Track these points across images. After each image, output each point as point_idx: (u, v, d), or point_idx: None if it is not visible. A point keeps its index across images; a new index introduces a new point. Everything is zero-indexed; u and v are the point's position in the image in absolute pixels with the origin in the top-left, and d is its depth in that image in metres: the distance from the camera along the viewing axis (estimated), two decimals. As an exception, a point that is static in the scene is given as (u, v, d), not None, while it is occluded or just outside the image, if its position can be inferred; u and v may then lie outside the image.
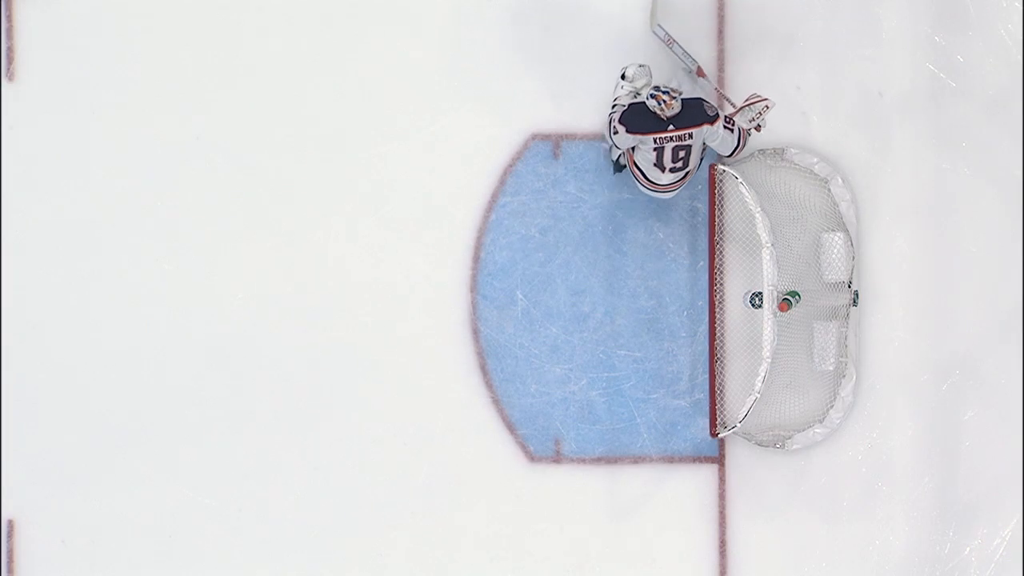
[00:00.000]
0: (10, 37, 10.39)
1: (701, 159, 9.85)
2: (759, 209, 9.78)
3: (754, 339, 9.94)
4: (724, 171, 9.97)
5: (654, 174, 9.80)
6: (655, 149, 9.69)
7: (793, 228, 10.06)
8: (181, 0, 10.36)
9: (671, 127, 9.64)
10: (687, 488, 10.33)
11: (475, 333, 10.37)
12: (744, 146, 9.82)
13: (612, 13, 10.26)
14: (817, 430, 10.21)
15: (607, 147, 10.21)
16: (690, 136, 9.65)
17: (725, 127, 9.69)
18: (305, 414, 10.39)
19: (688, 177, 9.85)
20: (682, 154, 9.71)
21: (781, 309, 9.73)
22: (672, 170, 9.76)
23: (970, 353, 10.20)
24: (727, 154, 9.84)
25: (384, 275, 10.36)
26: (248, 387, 10.39)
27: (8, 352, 10.39)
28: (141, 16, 10.36)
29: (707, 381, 10.20)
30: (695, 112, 9.65)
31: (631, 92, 10.00)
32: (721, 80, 10.23)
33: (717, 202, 10.10)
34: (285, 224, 10.36)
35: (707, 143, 9.76)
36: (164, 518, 10.42)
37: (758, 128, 9.82)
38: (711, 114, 9.64)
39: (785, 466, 10.28)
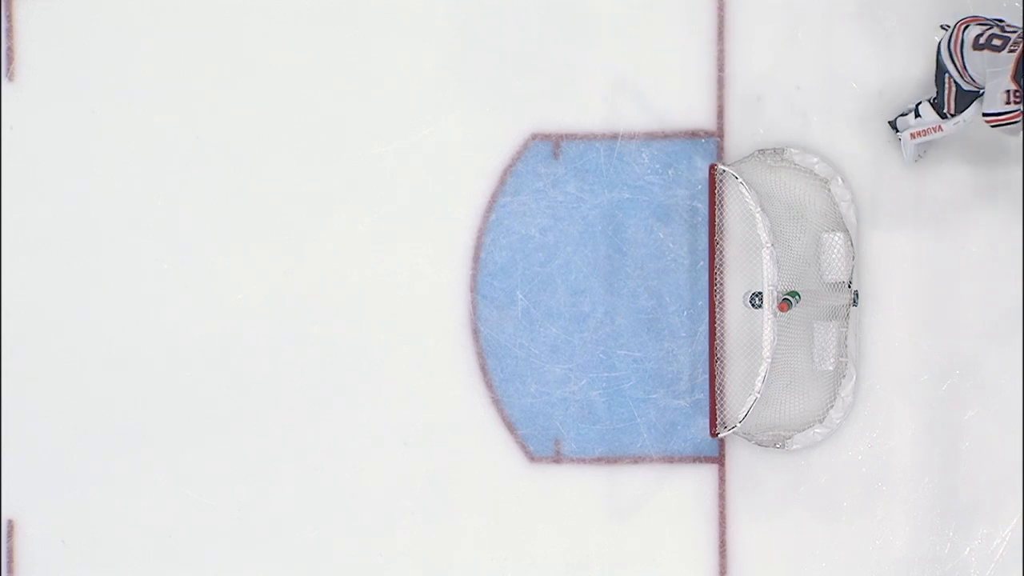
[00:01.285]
0: (10, 37, 10.39)
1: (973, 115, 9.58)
2: (759, 209, 9.78)
3: (754, 339, 9.94)
4: (724, 171, 9.97)
5: None
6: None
7: (793, 228, 10.06)
8: (181, 0, 10.36)
9: None
10: (687, 488, 10.33)
11: (475, 333, 10.37)
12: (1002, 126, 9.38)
13: (612, 13, 10.26)
14: (817, 430, 10.20)
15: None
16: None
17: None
18: (305, 414, 10.39)
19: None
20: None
21: (781, 309, 9.72)
22: None
23: (970, 353, 10.19)
24: (984, 110, 9.39)
25: (384, 275, 10.36)
26: (248, 387, 10.39)
27: (8, 352, 10.39)
28: (141, 16, 10.36)
29: (707, 381, 10.20)
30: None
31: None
32: (721, 80, 10.23)
33: (717, 202, 10.09)
34: (285, 224, 10.36)
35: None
36: (164, 518, 10.42)
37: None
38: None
39: (785, 466, 10.28)
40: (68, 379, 10.40)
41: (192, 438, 10.40)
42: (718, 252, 10.16)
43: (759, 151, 10.17)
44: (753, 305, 10.06)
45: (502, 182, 10.35)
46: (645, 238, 10.33)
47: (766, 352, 9.73)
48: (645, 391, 10.34)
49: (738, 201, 10.00)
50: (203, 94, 10.37)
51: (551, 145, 10.34)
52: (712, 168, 10.04)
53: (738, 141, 10.24)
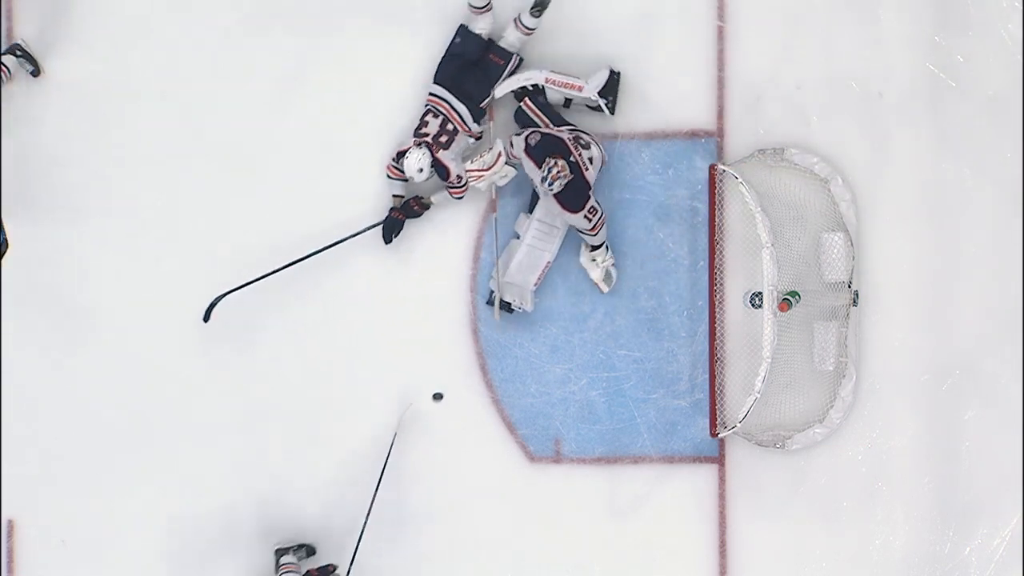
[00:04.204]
0: (10, 37, 10.40)
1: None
2: (759, 209, 9.78)
3: (754, 339, 9.95)
4: (724, 171, 9.97)
5: None
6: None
7: (793, 228, 10.07)
8: (181, 0, 10.37)
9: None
10: (687, 488, 10.33)
11: (475, 333, 10.37)
12: None
13: (612, 13, 10.26)
14: (817, 430, 10.21)
15: None
16: None
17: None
18: (305, 414, 10.39)
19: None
20: None
21: (781, 309, 9.73)
22: None
23: (970, 353, 10.20)
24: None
25: (384, 275, 10.36)
26: (247, 387, 10.39)
27: (8, 352, 10.39)
28: (141, 16, 10.37)
29: (707, 381, 10.20)
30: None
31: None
32: (721, 80, 10.24)
33: (717, 202, 10.10)
34: (285, 224, 10.36)
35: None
36: (164, 518, 10.42)
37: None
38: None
39: (785, 466, 10.28)
40: (67, 379, 10.40)
41: (192, 438, 10.39)
42: (718, 252, 10.17)
43: (759, 151, 10.17)
44: (753, 305, 10.07)
45: (502, 182, 10.36)
46: (645, 238, 10.33)
47: (766, 352, 9.73)
48: (645, 391, 10.35)
49: (738, 201, 10.00)
50: (203, 94, 10.37)
51: (551, 145, 10.32)
52: (712, 168, 10.04)
53: (738, 141, 10.24)
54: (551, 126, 10.01)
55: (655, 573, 10.35)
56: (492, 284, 10.27)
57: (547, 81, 10.06)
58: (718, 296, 10.20)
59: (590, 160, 9.87)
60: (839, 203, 10.16)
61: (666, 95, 10.26)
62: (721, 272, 10.21)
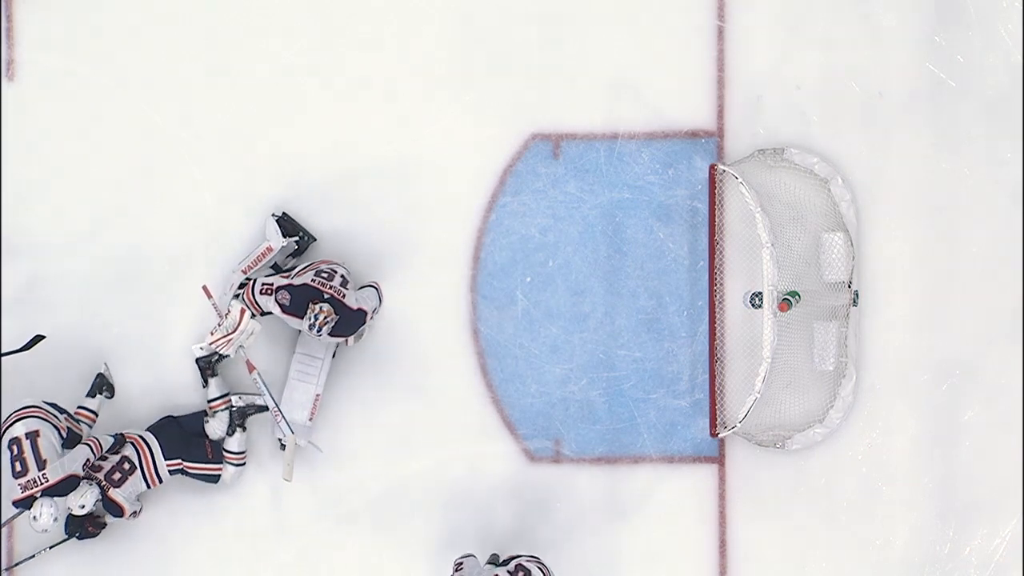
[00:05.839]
0: (10, 37, 10.40)
1: None
2: (759, 209, 9.79)
3: (754, 339, 9.95)
4: (724, 171, 9.98)
5: None
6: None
7: (793, 228, 10.07)
8: (180, 0, 10.37)
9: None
10: (687, 488, 10.33)
11: (475, 333, 10.37)
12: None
13: (612, 14, 10.27)
14: (817, 430, 10.21)
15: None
16: None
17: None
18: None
19: None
20: None
21: (781, 309, 9.73)
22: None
23: (970, 353, 10.20)
24: None
25: (385, 275, 10.35)
26: (246, 380, 10.40)
27: (8, 350, 10.38)
28: (141, 16, 10.37)
29: (707, 381, 10.20)
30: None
31: None
32: (721, 80, 10.24)
33: (717, 202, 10.10)
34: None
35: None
36: (163, 517, 10.41)
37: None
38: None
39: (785, 466, 10.28)
40: (67, 378, 10.39)
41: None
42: (718, 252, 10.17)
43: (759, 151, 10.18)
44: (753, 305, 10.07)
45: (502, 182, 10.35)
46: (645, 238, 10.33)
47: (766, 352, 9.73)
48: (645, 391, 10.34)
49: (738, 201, 10.01)
50: (202, 93, 10.37)
51: (551, 145, 10.35)
52: (712, 168, 10.05)
53: (738, 141, 10.25)
54: (283, 277, 9.96)
55: (655, 573, 10.34)
56: (278, 433, 10.20)
57: (246, 272, 10.09)
58: (718, 296, 10.20)
59: (342, 285, 9.86)
60: (839, 203, 10.16)
61: (666, 95, 10.27)
62: (721, 272, 10.21)
